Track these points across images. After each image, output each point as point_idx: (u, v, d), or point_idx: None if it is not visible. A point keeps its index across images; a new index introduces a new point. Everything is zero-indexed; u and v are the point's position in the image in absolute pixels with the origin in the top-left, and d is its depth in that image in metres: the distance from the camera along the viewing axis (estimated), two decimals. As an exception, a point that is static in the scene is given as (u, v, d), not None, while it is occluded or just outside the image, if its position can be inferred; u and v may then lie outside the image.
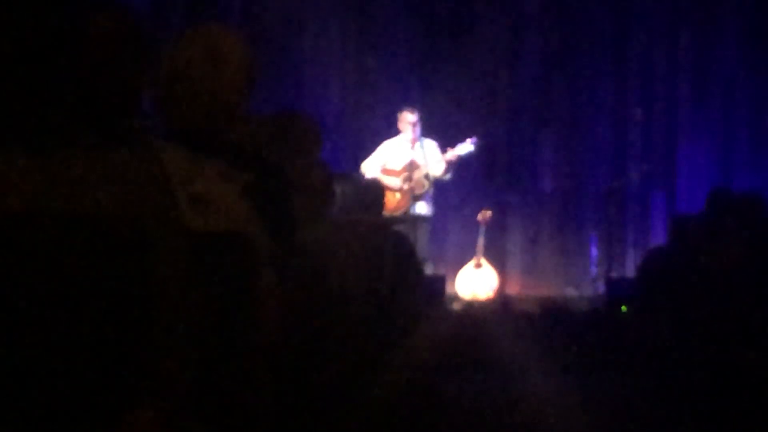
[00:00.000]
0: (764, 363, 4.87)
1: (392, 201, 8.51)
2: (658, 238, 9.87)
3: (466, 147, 8.68)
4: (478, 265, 9.36)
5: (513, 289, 10.01)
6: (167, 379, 1.90)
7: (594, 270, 10.20)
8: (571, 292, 10.03)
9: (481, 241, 9.39)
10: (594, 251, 10.28)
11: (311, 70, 10.24)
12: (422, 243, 8.46)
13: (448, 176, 8.78)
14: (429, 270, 8.86)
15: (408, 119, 8.74)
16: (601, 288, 9.47)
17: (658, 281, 5.76)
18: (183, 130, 2.47)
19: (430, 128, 8.93)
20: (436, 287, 8.30)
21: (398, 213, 8.53)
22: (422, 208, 8.76)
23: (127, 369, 1.86)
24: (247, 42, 2.58)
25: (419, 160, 8.70)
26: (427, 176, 8.69)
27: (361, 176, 8.40)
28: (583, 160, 10.47)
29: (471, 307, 9.11)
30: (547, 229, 10.44)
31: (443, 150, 8.74)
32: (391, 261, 4.03)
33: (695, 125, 10.39)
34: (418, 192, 8.69)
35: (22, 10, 1.82)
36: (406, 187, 8.66)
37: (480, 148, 8.87)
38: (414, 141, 8.73)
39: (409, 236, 6.94)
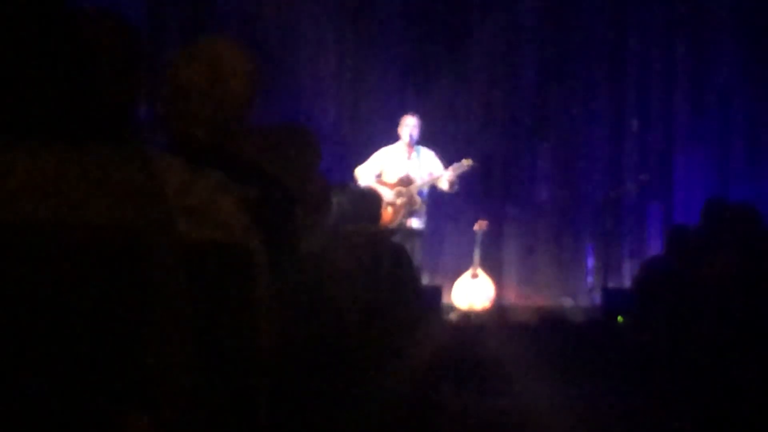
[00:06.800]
0: (761, 373, 4.87)
1: (385, 214, 8.46)
2: (655, 248, 9.86)
3: (461, 167, 8.62)
4: (475, 276, 9.35)
5: (509, 300, 10.01)
6: (163, 389, 1.90)
7: (590, 280, 10.21)
8: (567, 302, 10.03)
9: (477, 252, 9.38)
10: (590, 261, 10.29)
11: (307, 80, 10.25)
12: (415, 257, 8.43)
13: (455, 189, 8.74)
14: (425, 280, 8.84)
15: (405, 123, 8.69)
16: (598, 298, 9.49)
17: (654, 291, 5.77)
18: (184, 143, 2.47)
19: (426, 139, 8.91)
20: (433, 297, 8.28)
21: (391, 227, 8.47)
22: (414, 223, 8.70)
23: (123, 379, 1.86)
24: (252, 55, 2.56)
25: (413, 175, 8.64)
26: (420, 193, 8.65)
27: (355, 182, 8.34)
28: (579, 171, 10.48)
29: (467, 317, 9.10)
30: (544, 239, 10.44)
31: (443, 161, 8.70)
32: (388, 271, 4.02)
33: (692, 136, 10.41)
34: (412, 207, 8.63)
35: (16, 17, 1.82)
36: (399, 202, 8.59)
37: (476, 160, 8.83)
38: (410, 147, 8.68)
39: (402, 249, 6.90)
